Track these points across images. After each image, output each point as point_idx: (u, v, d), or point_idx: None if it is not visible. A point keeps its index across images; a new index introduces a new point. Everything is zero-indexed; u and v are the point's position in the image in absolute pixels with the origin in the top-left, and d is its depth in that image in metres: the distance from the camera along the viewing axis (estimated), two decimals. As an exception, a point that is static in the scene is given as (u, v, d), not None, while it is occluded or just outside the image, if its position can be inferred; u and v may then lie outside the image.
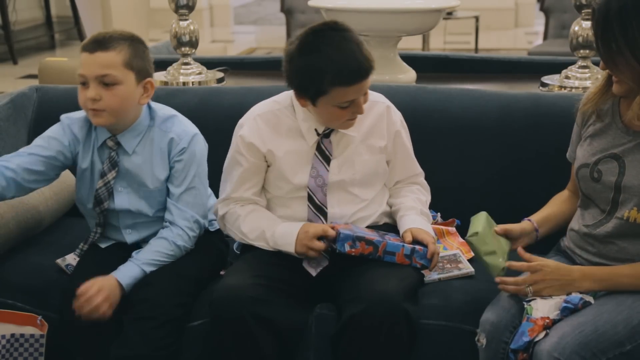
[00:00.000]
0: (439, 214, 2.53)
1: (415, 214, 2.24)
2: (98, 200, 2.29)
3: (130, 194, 2.30)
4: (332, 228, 2.14)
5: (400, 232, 2.20)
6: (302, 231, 2.15)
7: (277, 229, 2.19)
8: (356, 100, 2.12)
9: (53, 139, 2.30)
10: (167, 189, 2.30)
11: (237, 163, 2.24)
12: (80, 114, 2.32)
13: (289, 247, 2.16)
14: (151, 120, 2.31)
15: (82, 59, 2.20)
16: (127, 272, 2.18)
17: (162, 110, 2.34)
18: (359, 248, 2.10)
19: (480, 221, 2.08)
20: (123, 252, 2.28)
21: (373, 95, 2.29)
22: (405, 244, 2.13)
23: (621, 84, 1.94)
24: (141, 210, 2.30)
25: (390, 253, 2.12)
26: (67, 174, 2.64)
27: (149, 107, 2.33)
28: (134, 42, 2.23)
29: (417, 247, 2.13)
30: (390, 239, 2.15)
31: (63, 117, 2.35)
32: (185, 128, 2.32)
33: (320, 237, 2.13)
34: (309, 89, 2.11)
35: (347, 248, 2.09)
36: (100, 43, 2.18)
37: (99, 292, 2.10)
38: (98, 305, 2.09)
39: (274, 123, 2.24)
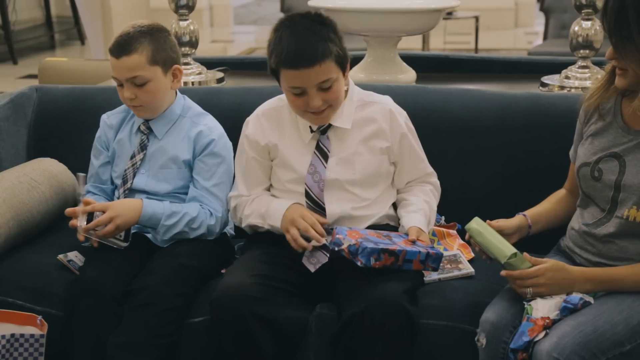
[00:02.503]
0: (442, 217, 2.52)
1: (423, 215, 2.24)
2: (124, 180, 2.41)
3: (149, 177, 2.40)
4: (329, 233, 2.14)
5: (406, 226, 2.19)
6: (289, 212, 2.17)
7: (272, 204, 2.23)
8: (308, 90, 2.13)
9: (96, 149, 2.50)
10: (195, 181, 2.39)
11: (244, 161, 2.30)
12: (117, 108, 2.50)
13: (276, 222, 2.19)
14: (184, 111, 2.44)
15: (111, 63, 2.35)
16: (153, 204, 2.32)
17: (197, 107, 2.49)
18: (383, 260, 2.07)
19: (492, 235, 2.03)
20: (131, 244, 2.33)
21: (378, 97, 2.32)
22: (421, 250, 2.10)
23: (625, 75, 1.95)
24: (157, 192, 2.39)
25: (408, 261, 2.10)
26: (67, 174, 2.64)
27: (184, 101, 2.47)
28: (154, 35, 2.35)
29: (431, 251, 2.12)
30: (400, 242, 2.12)
31: (102, 115, 2.53)
32: (216, 125, 2.45)
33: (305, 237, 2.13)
34: (268, 65, 2.18)
35: (372, 262, 2.05)
36: (123, 47, 2.31)
37: (110, 219, 2.25)
38: (106, 231, 2.25)
39: (276, 119, 2.29)
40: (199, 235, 2.36)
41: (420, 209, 2.26)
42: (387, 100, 2.33)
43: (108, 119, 2.50)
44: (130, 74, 2.31)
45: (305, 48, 2.09)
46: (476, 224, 2.07)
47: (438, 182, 2.38)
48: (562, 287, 1.95)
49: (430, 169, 2.37)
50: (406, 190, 2.34)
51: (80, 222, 2.25)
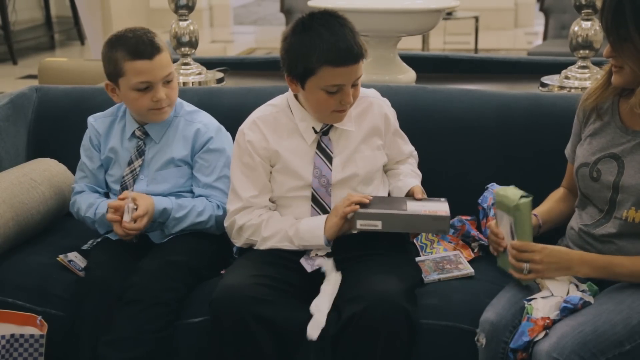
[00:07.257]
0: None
1: (416, 178, 2.32)
2: (123, 187, 2.38)
3: (149, 182, 2.38)
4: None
5: (407, 187, 2.25)
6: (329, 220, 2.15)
7: (300, 226, 2.18)
8: (344, 87, 2.13)
9: (90, 150, 2.45)
10: (196, 179, 2.38)
11: (248, 168, 2.24)
12: (104, 112, 2.47)
13: (318, 240, 2.15)
14: (176, 111, 2.41)
15: (140, 67, 2.26)
16: (162, 200, 2.31)
17: (188, 105, 2.46)
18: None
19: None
20: (132, 244, 2.33)
21: (369, 91, 2.33)
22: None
23: (621, 73, 1.95)
24: (159, 193, 2.36)
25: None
26: (67, 174, 2.64)
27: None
28: (158, 36, 2.33)
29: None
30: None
31: (89, 118, 2.49)
32: (211, 120, 2.44)
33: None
34: (298, 68, 2.13)
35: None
36: (154, 46, 2.27)
37: (145, 213, 2.25)
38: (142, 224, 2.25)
39: (273, 125, 2.26)
40: (208, 229, 2.36)
41: (411, 173, 2.33)
42: (375, 93, 2.35)
43: (95, 122, 2.47)
44: (165, 71, 2.29)
45: (353, 45, 2.11)
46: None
47: (415, 152, 2.43)
48: (558, 268, 1.96)
49: (411, 147, 2.42)
50: (393, 166, 2.38)
51: (125, 217, 2.25)
